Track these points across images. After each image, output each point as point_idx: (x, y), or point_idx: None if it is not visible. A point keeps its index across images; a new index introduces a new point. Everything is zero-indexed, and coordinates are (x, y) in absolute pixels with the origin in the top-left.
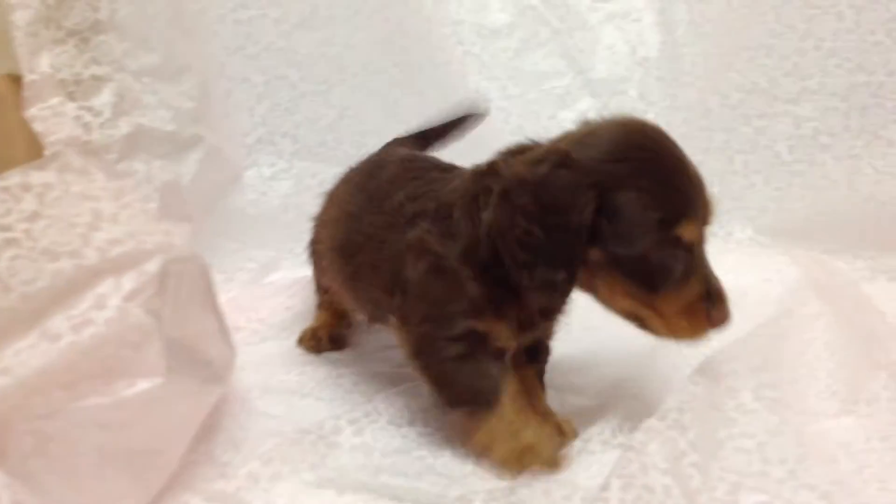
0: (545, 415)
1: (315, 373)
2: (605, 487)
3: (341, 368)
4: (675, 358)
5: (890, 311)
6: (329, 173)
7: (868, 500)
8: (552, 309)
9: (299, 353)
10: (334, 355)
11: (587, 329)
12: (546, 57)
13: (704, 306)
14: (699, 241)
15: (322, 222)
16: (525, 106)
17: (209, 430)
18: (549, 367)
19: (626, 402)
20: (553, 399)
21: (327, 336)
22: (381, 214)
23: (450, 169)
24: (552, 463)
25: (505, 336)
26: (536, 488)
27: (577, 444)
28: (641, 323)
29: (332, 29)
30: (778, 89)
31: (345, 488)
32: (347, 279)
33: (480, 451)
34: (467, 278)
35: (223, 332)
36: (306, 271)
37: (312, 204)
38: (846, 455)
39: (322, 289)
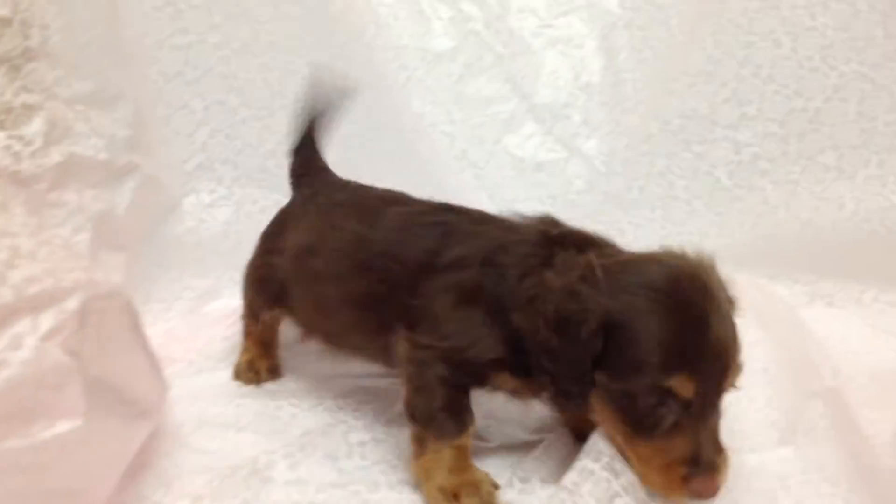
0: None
1: (252, 405)
2: None
3: (280, 400)
4: None
5: (826, 336)
6: (271, 199)
7: None
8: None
9: (236, 385)
10: (272, 386)
11: None
12: (490, 82)
13: (685, 471)
14: (699, 400)
15: (304, 280)
16: (469, 131)
17: (139, 468)
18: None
19: (565, 440)
20: (494, 428)
21: (266, 367)
22: (404, 266)
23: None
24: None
25: (510, 384)
26: None
27: (515, 482)
28: (625, 458)
29: (272, 54)
30: (717, 115)
31: None
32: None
33: (421, 475)
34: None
35: (153, 366)
36: None
37: (254, 231)
38: (783, 489)
39: (254, 319)
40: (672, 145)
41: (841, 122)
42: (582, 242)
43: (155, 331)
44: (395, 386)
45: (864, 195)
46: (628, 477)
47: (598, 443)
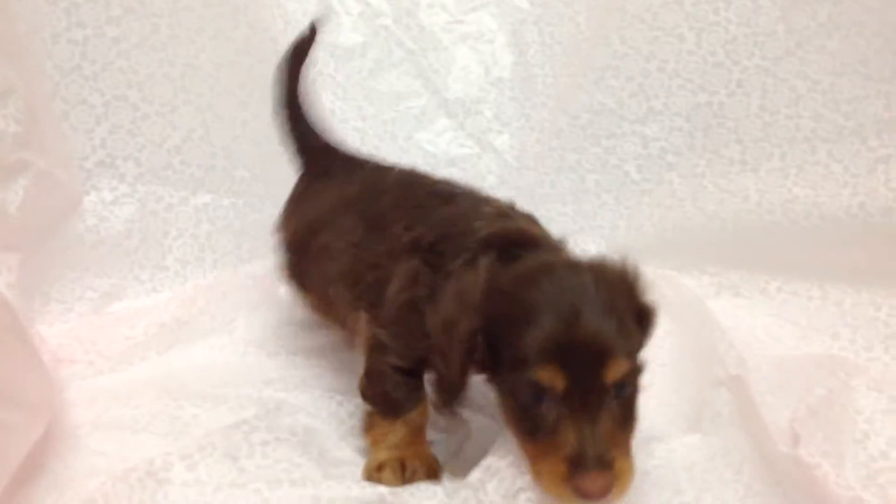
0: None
1: (152, 406)
2: None
3: (181, 401)
4: None
5: (733, 326)
6: (176, 197)
7: None
8: None
9: (137, 386)
10: (174, 385)
11: None
12: (401, 77)
13: (567, 469)
14: (577, 395)
15: (314, 255)
16: (381, 126)
17: (31, 473)
18: None
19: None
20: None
21: None
22: (378, 241)
23: (449, 198)
24: (396, 484)
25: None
26: None
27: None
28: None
29: (173, 49)
30: (625, 110)
31: None
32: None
33: (369, 448)
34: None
35: (40, 368)
36: (151, 299)
37: (158, 229)
38: (689, 479)
39: None
40: (581, 140)
41: (744, 115)
42: (520, 244)
43: (55, 331)
44: (302, 388)
45: (767, 187)
46: None
47: (506, 441)
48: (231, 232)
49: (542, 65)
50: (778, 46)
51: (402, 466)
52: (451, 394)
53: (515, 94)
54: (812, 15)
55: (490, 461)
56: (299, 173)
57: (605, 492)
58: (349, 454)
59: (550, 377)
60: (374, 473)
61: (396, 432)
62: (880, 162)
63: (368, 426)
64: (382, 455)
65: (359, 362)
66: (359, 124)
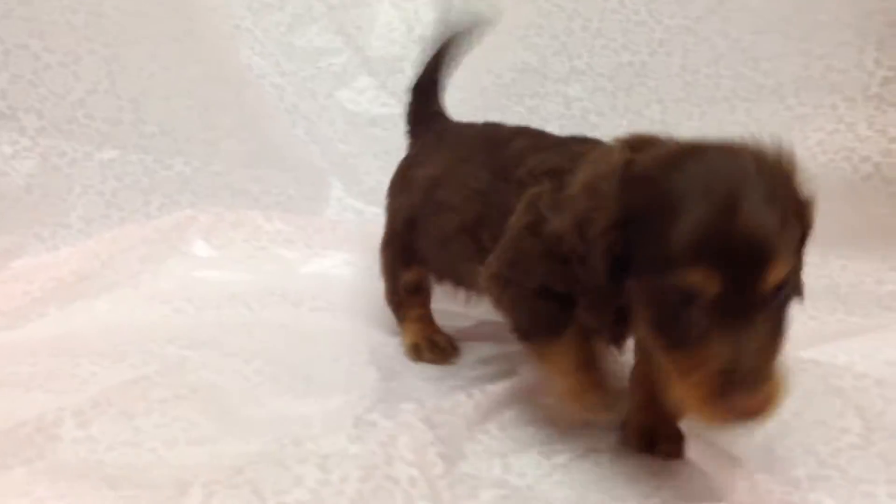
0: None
1: (49, 363)
2: (343, 479)
3: (80, 358)
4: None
5: None
6: (80, 151)
7: None
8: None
9: (35, 343)
10: (75, 344)
11: None
12: (321, 33)
13: (720, 384)
14: (733, 301)
15: (428, 213)
16: (300, 83)
17: None
18: None
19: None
20: None
21: (444, 339)
22: (508, 183)
23: (581, 141)
24: (595, 411)
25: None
26: (265, 471)
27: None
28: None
29: None
30: (548, 69)
31: (59, 480)
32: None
33: (547, 380)
34: (554, 255)
35: None
36: (51, 256)
37: (61, 185)
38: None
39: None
40: (505, 99)
41: (665, 75)
42: (642, 143)
43: None
44: (209, 346)
45: None
46: (448, 429)
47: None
48: (139, 189)
49: (464, 22)
50: (700, 5)
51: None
52: (606, 308)
53: None
54: None
55: (404, 417)
56: (409, 143)
57: (761, 411)
58: (252, 411)
59: (703, 280)
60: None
61: (565, 354)
62: (797, 121)
63: (538, 352)
64: (572, 380)
65: (268, 317)
66: (277, 80)
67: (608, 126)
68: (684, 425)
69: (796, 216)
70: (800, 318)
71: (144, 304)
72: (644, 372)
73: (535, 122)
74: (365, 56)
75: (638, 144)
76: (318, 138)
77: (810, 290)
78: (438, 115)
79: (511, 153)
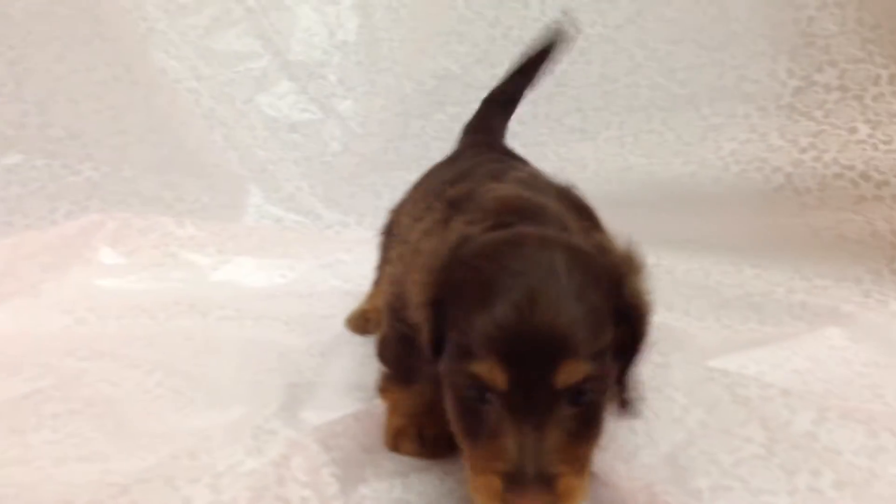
0: None
1: None
2: (233, 500)
3: None
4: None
5: None
6: None
7: None
8: None
9: None
10: None
11: None
12: (240, 37)
13: (502, 489)
14: (521, 397)
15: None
16: (218, 88)
17: None
18: None
19: None
20: None
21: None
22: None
23: (497, 166)
24: (415, 454)
25: None
26: (152, 492)
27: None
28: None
29: None
30: (470, 76)
31: None
32: None
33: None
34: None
35: None
36: None
37: None
38: None
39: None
40: (426, 106)
41: (585, 83)
42: (520, 213)
43: None
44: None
45: (604, 156)
46: (344, 452)
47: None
48: (44, 195)
49: (387, 29)
50: (619, 14)
51: (421, 435)
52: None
53: (360, 58)
54: None
55: (297, 438)
56: None
57: None
58: (149, 425)
59: (491, 373)
60: (391, 441)
61: (411, 399)
62: (711, 130)
63: (383, 388)
64: (398, 422)
65: (173, 327)
66: (193, 84)
67: (530, 134)
68: None
69: (622, 320)
70: (713, 328)
71: (45, 313)
72: None
73: (457, 130)
74: (285, 61)
75: (504, 214)
76: (236, 144)
77: (724, 300)
78: (490, 132)
79: (444, 176)
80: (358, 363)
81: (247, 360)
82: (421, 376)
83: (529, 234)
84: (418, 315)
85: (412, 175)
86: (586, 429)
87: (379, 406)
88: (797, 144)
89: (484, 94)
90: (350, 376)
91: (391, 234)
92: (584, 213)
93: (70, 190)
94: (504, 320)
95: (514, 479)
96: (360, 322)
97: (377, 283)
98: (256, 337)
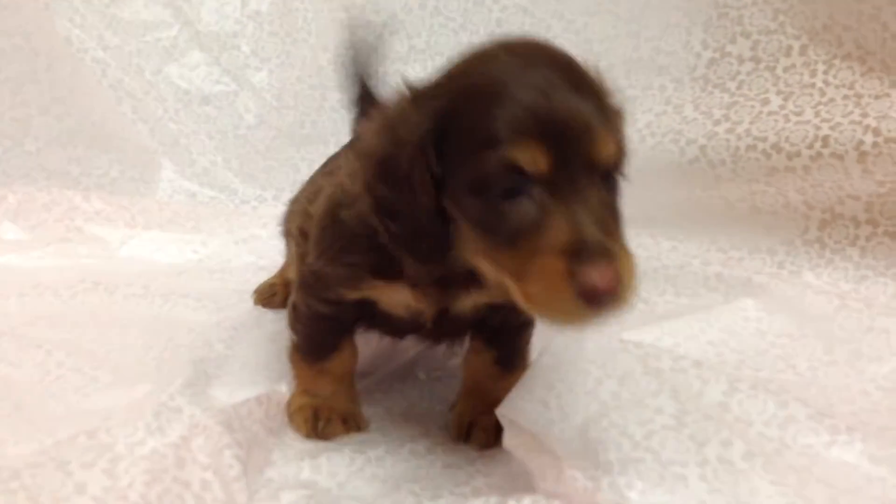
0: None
1: None
2: (130, 484)
3: None
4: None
5: None
6: None
7: None
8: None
9: None
10: None
11: None
12: (148, 5)
13: (569, 264)
14: (562, 176)
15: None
16: (126, 58)
17: None
18: None
19: None
20: None
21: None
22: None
23: None
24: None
25: (400, 302)
26: (45, 476)
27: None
28: (507, 286)
29: None
30: (386, 48)
31: None
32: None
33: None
34: (359, 236)
35: None
36: None
37: None
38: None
39: None
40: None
41: None
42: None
43: None
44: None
45: None
46: (247, 433)
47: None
48: None
49: None
50: None
51: (316, 416)
52: (436, 248)
53: (275, 28)
54: None
55: (198, 419)
56: None
57: (616, 284)
58: (49, 406)
59: (532, 156)
60: (288, 415)
61: (316, 378)
62: (627, 102)
63: (293, 359)
64: (298, 400)
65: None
66: (99, 54)
67: None
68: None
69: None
70: None
71: None
72: (470, 361)
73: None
74: (196, 31)
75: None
76: (146, 117)
77: (640, 272)
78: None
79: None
80: (268, 339)
81: (154, 338)
82: (329, 352)
83: (516, 40)
84: (413, 163)
85: (330, 149)
86: (616, 210)
87: (285, 388)
88: (711, 116)
89: (402, 66)
90: (259, 352)
91: (288, 227)
92: None
93: None
94: (533, 104)
95: (579, 252)
96: (267, 295)
97: (287, 260)
98: (165, 314)
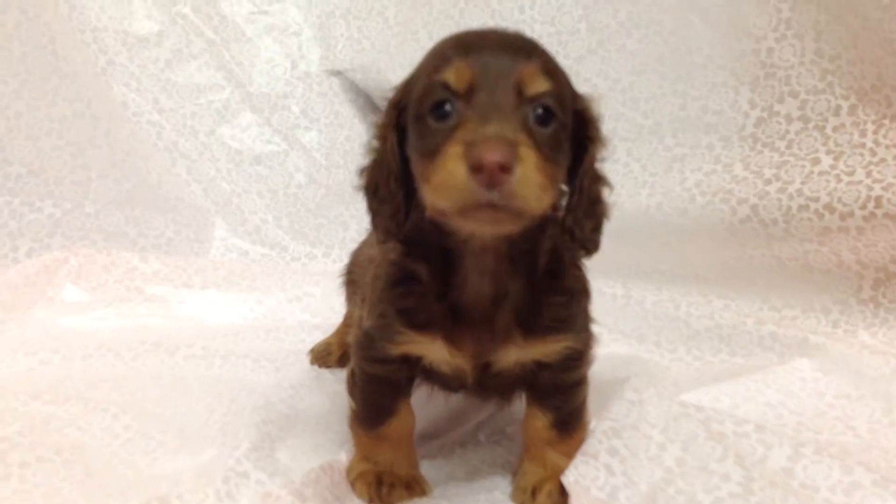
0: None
1: None
2: None
3: None
4: None
5: None
6: None
7: None
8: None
9: None
10: None
11: None
12: (201, 69)
13: (463, 149)
14: (483, 96)
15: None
16: (180, 121)
17: None
18: None
19: None
20: None
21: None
22: None
23: None
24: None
25: (440, 357)
26: None
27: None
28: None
29: None
30: None
31: None
32: None
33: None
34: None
35: None
36: None
37: None
38: None
39: None
40: None
41: None
42: None
43: None
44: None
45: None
46: (318, 501)
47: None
48: (6, 233)
49: (350, 59)
50: (581, 45)
51: (379, 482)
52: (396, 204)
53: (324, 89)
54: (612, 14)
55: (272, 489)
56: None
57: (504, 161)
58: (119, 471)
59: (456, 73)
60: (351, 482)
61: (375, 445)
62: (676, 161)
63: (352, 426)
64: (358, 467)
65: (140, 367)
66: (155, 118)
67: None
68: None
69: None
70: (684, 360)
71: (9, 356)
72: (528, 427)
73: None
74: (247, 93)
75: None
76: (199, 177)
77: (694, 331)
78: None
79: None
80: (328, 399)
81: (216, 400)
82: (385, 417)
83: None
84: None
85: None
86: (550, 153)
87: (345, 457)
88: (762, 176)
89: None
90: (320, 413)
91: (352, 276)
92: None
93: (31, 227)
94: (465, 37)
95: (474, 140)
96: (324, 354)
97: (346, 319)
98: (225, 375)
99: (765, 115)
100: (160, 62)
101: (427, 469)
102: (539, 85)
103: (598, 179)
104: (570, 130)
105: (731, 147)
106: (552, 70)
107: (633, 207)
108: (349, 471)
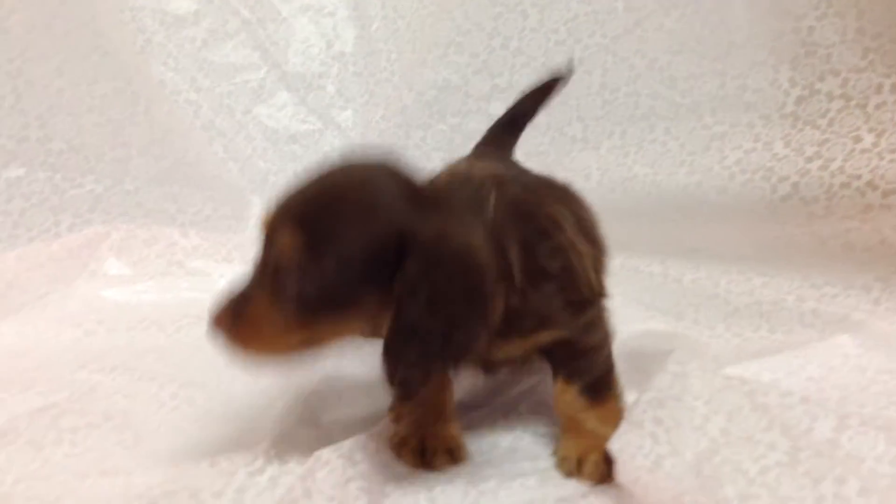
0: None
1: None
2: None
3: None
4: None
5: None
6: None
7: None
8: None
9: None
10: None
11: None
12: (237, 48)
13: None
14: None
15: None
16: (217, 100)
17: None
18: None
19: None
20: None
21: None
22: None
23: None
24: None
25: None
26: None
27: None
28: None
29: None
30: (470, 87)
31: None
32: None
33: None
34: None
35: None
36: None
37: None
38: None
39: None
40: (427, 117)
41: (585, 93)
42: None
43: None
44: (121, 370)
45: (607, 165)
46: (368, 465)
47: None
48: (47, 208)
49: (385, 39)
50: (618, 24)
51: (423, 447)
52: None
53: (359, 68)
54: None
55: (321, 452)
56: None
57: (225, 325)
58: (170, 438)
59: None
60: (394, 449)
61: (415, 409)
62: (715, 139)
63: (392, 407)
64: (402, 432)
65: (183, 338)
66: (192, 96)
67: (531, 143)
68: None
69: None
70: (724, 335)
71: (54, 326)
72: (559, 400)
73: (458, 140)
74: (283, 72)
75: None
76: (236, 155)
77: (734, 308)
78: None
79: None
80: (368, 365)
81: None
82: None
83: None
84: None
85: None
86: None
87: (388, 422)
88: (803, 153)
89: (485, 104)
90: (362, 381)
91: None
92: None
93: (73, 202)
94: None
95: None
96: None
97: None
98: None
99: (805, 93)
100: (197, 41)
101: (470, 439)
102: (283, 243)
103: None
104: None
105: (772, 125)
106: (308, 220)
107: (672, 186)
108: (392, 437)
